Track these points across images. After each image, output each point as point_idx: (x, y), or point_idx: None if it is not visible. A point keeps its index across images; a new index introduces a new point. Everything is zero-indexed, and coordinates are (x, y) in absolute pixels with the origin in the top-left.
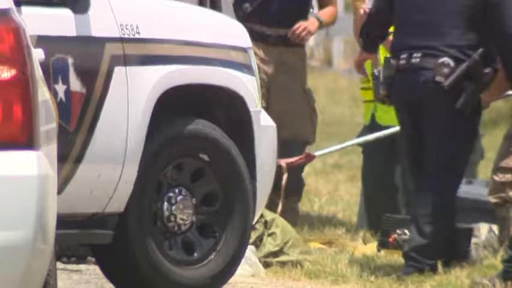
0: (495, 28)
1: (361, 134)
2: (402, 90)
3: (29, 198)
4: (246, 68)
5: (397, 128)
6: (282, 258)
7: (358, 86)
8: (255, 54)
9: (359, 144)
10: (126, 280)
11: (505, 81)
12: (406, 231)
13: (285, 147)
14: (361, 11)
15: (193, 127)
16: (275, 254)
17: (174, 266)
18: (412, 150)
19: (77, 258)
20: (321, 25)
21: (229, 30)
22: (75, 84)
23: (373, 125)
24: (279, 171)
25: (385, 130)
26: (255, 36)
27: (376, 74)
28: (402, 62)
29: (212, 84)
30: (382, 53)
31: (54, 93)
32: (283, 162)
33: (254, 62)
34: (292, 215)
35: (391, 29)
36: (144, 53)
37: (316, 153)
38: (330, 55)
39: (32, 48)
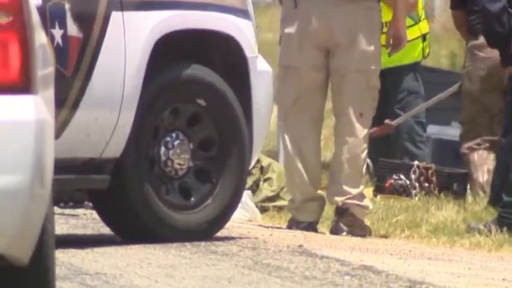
0: None
1: None
2: None
3: (27, 143)
4: (242, 13)
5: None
6: (278, 203)
7: None
8: None
9: None
10: (122, 225)
11: None
12: (402, 176)
13: None
14: None
15: (189, 72)
16: (271, 199)
17: (171, 210)
18: None
19: (74, 203)
20: None
21: None
22: (72, 29)
23: None
24: None
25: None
26: None
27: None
28: None
29: (208, 29)
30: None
31: (51, 38)
32: None
33: (251, 7)
34: None
35: None
36: None
37: (393, 122)
38: None
39: None
